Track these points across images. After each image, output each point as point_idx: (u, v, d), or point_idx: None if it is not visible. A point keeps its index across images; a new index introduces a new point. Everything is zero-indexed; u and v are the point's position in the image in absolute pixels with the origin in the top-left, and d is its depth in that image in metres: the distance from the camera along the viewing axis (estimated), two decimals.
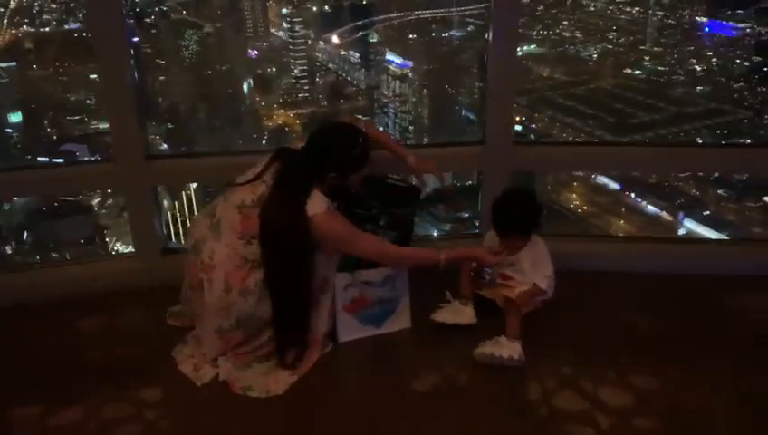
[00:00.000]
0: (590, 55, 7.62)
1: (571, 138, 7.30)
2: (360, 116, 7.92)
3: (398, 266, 2.50)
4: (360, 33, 8.09)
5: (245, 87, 7.57)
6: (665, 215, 7.13)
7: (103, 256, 5.96)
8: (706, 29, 7.21)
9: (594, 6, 7.53)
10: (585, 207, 7.37)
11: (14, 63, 6.90)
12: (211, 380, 2.38)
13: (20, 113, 6.83)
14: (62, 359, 2.58)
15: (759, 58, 6.89)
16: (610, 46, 7.52)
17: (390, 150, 2.71)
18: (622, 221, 7.26)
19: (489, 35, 2.81)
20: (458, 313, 2.60)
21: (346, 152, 2.36)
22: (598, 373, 2.44)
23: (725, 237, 6.29)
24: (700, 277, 2.94)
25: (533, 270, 2.58)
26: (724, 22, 7.03)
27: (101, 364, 2.55)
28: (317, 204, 2.26)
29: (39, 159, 7.21)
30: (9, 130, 6.95)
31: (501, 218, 2.59)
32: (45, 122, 7.13)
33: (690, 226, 6.91)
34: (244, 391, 2.29)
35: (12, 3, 6.97)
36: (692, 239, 5.33)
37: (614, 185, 7.30)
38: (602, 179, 7.25)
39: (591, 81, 7.64)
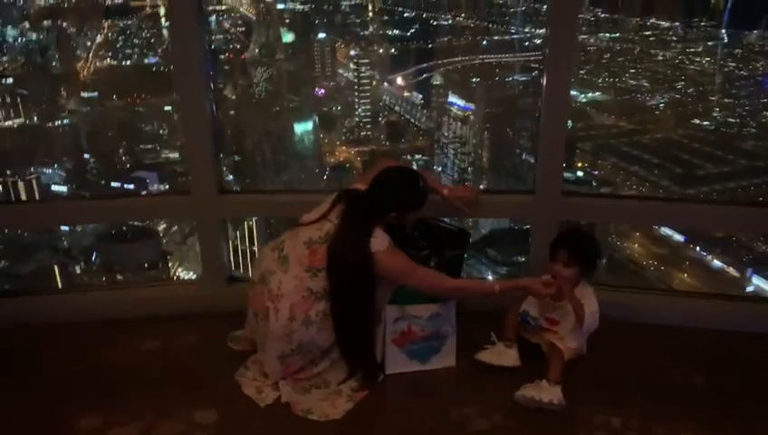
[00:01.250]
0: (657, 104, 7.52)
1: (635, 187, 7.17)
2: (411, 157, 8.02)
3: (455, 297, 2.57)
4: (424, 76, 8.23)
5: (311, 124, 7.79)
6: (731, 270, 6.87)
7: (168, 280, 6.12)
8: None
9: (663, 56, 7.45)
10: (647, 259, 7.18)
11: (96, 94, 7.33)
12: (273, 401, 2.46)
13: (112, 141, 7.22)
14: (125, 376, 2.67)
15: None
16: (678, 96, 7.41)
17: (428, 188, 2.77)
18: (686, 275, 7.03)
19: (543, 83, 2.81)
20: (503, 355, 2.59)
21: (406, 193, 2.50)
22: (646, 427, 2.36)
23: None
24: (761, 336, 2.83)
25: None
26: None
27: (162, 383, 2.62)
28: (380, 241, 2.41)
29: (112, 184, 7.58)
30: (86, 156, 7.35)
31: (558, 238, 2.58)
32: (120, 150, 7.51)
33: (758, 283, 6.63)
34: (305, 414, 2.39)
35: (99, 37, 7.43)
36: (753, 297, 5.11)
37: (678, 237, 7.10)
38: (666, 231, 7.06)
39: (658, 130, 7.52)
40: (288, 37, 7.87)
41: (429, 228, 2.77)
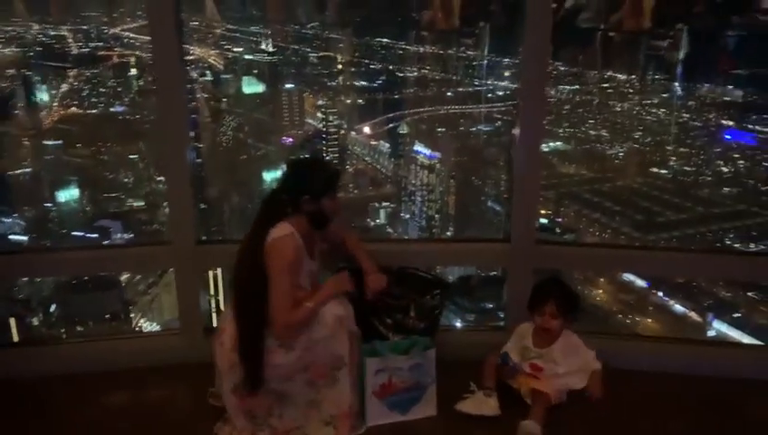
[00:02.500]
0: (617, 153, 7.77)
1: (597, 233, 7.32)
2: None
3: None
4: (391, 125, 8.37)
5: (279, 172, 7.80)
6: (693, 315, 7.01)
7: (138, 332, 5.96)
8: (728, 137, 7.34)
9: (621, 107, 7.73)
10: (612, 305, 7.28)
11: (60, 142, 7.24)
12: None
13: (76, 190, 7.09)
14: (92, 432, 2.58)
15: None
16: (637, 145, 7.67)
17: (362, 265, 2.77)
18: (650, 320, 7.15)
19: (515, 133, 2.89)
20: (482, 404, 2.58)
21: (314, 173, 2.40)
22: None
23: (756, 342, 6.14)
24: (725, 380, 2.88)
25: (565, 359, 2.56)
26: (744, 132, 7.15)
27: None
28: (279, 230, 2.33)
29: (73, 233, 7.41)
30: (49, 205, 7.20)
31: (542, 289, 2.58)
32: (83, 199, 7.38)
33: (719, 327, 6.76)
34: None
35: (63, 86, 7.39)
36: (716, 342, 5.22)
37: (641, 283, 7.24)
38: (629, 277, 7.20)
39: (618, 178, 7.75)
40: (256, 87, 7.95)
41: (407, 276, 2.75)
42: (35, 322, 6.84)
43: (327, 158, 7.97)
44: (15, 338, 6.95)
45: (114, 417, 2.70)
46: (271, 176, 7.52)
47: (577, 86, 7.72)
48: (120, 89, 7.32)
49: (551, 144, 7.80)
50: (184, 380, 2.73)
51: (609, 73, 7.65)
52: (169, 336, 3.12)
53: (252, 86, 7.86)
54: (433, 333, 2.71)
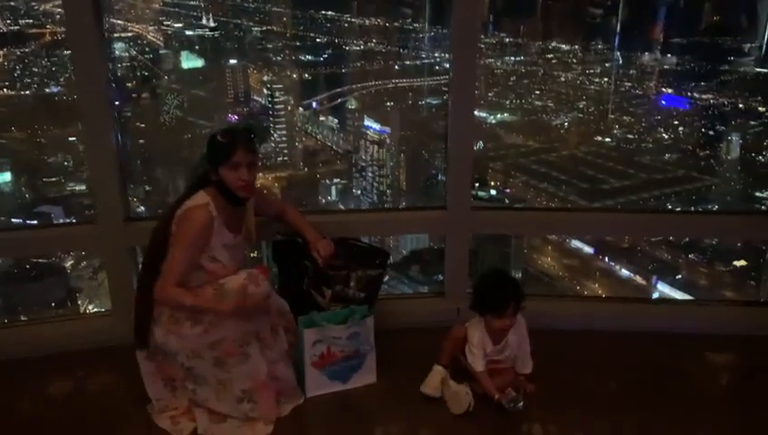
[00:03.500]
0: (562, 123, 7.89)
1: (545, 202, 7.45)
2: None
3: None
4: (339, 100, 8.30)
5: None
6: (638, 279, 7.24)
7: (69, 315, 5.80)
8: (663, 102, 7.54)
9: (565, 77, 7.83)
10: (559, 272, 7.46)
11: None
12: (190, 433, 2.39)
13: (8, 174, 6.81)
14: (30, 419, 2.53)
15: (723, 127, 7.19)
16: (581, 115, 7.80)
17: (304, 235, 2.69)
18: (596, 285, 7.35)
19: (449, 105, 2.93)
20: (458, 398, 2.51)
21: (212, 143, 2.35)
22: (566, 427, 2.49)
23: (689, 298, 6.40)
24: (661, 335, 3.01)
25: (520, 349, 2.60)
26: (680, 96, 7.35)
27: (71, 424, 2.48)
28: (195, 200, 2.31)
29: (13, 220, 7.15)
30: None
31: (500, 292, 2.48)
32: (20, 185, 7.11)
33: (663, 289, 7.01)
34: None
35: None
36: (660, 300, 5.44)
37: (588, 249, 7.43)
38: (576, 244, 7.37)
39: (563, 148, 7.88)
40: (196, 63, 7.75)
41: (348, 248, 2.76)
42: None
43: (274, 135, 7.89)
44: None
45: (44, 402, 2.67)
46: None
47: (522, 57, 7.78)
48: (54, 68, 7.02)
49: (498, 116, 7.87)
50: (116, 362, 2.69)
51: (552, 44, 7.73)
52: (101, 318, 3.12)
53: (192, 61, 7.65)
54: (372, 302, 2.74)
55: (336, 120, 8.38)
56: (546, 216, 3.56)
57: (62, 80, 7.19)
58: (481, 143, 7.74)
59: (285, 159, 8.11)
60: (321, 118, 8.35)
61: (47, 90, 7.30)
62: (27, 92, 7.08)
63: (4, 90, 6.95)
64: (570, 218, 3.50)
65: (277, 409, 2.45)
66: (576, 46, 7.69)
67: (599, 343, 3.00)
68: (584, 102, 7.75)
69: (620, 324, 3.09)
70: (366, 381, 2.69)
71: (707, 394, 2.70)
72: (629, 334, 3.03)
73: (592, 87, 7.80)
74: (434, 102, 7.92)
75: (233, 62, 7.97)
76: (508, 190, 7.71)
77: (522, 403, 2.48)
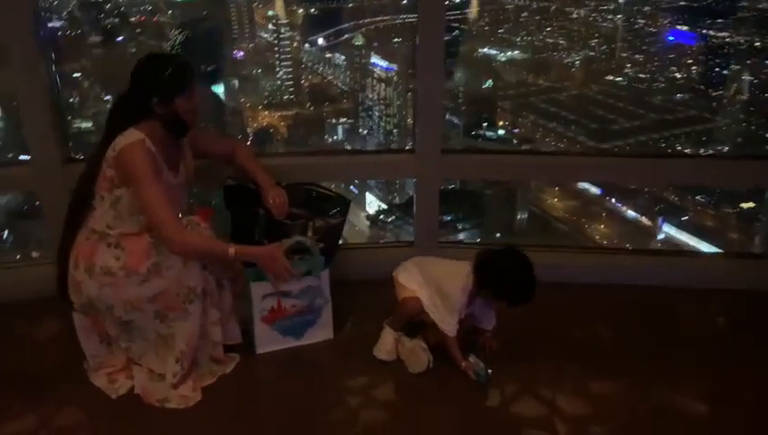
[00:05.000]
0: (573, 62, 7.72)
1: (554, 143, 7.39)
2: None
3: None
4: (346, 36, 8.13)
5: (227, 88, 7.55)
6: (644, 220, 7.25)
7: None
8: (672, 38, 7.34)
9: (577, 14, 7.63)
10: (566, 213, 7.45)
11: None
12: (127, 392, 2.27)
13: None
14: None
15: (737, 67, 7.03)
16: (592, 53, 7.63)
17: (256, 180, 2.48)
18: (602, 226, 7.37)
19: (417, 39, 2.80)
20: (415, 355, 2.40)
21: (161, 70, 2.12)
22: (556, 381, 2.42)
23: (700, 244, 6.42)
24: (664, 289, 2.98)
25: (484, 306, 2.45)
26: (694, 32, 7.15)
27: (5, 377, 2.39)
28: (127, 138, 2.10)
29: (20, 157, 7.12)
30: None
31: (528, 291, 2.22)
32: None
33: (668, 230, 7.02)
34: (162, 404, 2.19)
35: None
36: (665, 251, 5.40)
37: (595, 190, 7.40)
38: (584, 185, 7.35)
39: (573, 87, 7.75)
40: None
41: (306, 194, 2.57)
42: None
43: (280, 72, 7.77)
44: None
45: None
46: (219, 90, 7.28)
47: None
48: (55, 2, 6.88)
49: (507, 53, 7.71)
50: (60, 312, 2.48)
51: None
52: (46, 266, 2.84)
53: None
54: (332, 254, 2.54)
55: (343, 58, 8.24)
56: (517, 160, 3.29)
57: (64, 14, 7.05)
58: (490, 81, 7.63)
59: (291, 97, 8.01)
60: (328, 55, 8.20)
61: (49, 24, 7.16)
62: None
63: None
64: (546, 163, 3.26)
65: (196, 392, 2.26)
66: None
67: (601, 295, 2.96)
68: (596, 40, 7.56)
69: (624, 276, 3.05)
70: (322, 337, 2.54)
71: (702, 345, 2.67)
72: (633, 287, 2.99)
73: (605, 24, 7.60)
74: (443, 39, 7.74)
75: None
76: (517, 130, 7.62)
77: (490, 371, 2.31)
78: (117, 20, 7.08)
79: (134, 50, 6.75)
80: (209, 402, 2.23)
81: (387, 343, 2.44)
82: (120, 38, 7.02)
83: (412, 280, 2.41)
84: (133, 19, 6.96)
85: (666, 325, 2.81)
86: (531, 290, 2.22)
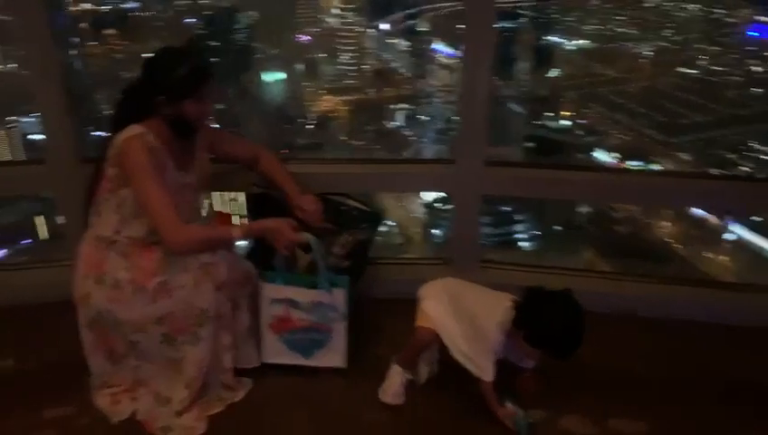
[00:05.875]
0: (644, 52, 7.48)
1: (620, 135, 7.20)
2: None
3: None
4: (410, 22, 8.09)
5: (283, 74, 7.59)
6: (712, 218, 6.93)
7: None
8: (754, 34, 6.99)
9: (651, 2, 7.37)
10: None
11: (77, 39, 7.10)
12: (130, 416, 2.10)
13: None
14: None
15: None
16: (665, 44, 7.37)
17: (284, 188, 2.34)
18: (669, 223, 7.09)
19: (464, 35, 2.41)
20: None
21: (173, 68, 2.00)
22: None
23: None
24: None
25: None
26: None
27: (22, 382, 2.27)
28: (127, 132, 1.99)
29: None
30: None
31: (572, 348, 1.92)
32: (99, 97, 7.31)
33: (738, 231, 6.70)
34: (164, 433, 2.05)
35: None
36: None
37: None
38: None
39: (643, 78, 7.51)
40: None
41: (333, 206, 2.39)
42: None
43: (343, 57, 7.80)
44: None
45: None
46: (273, 77, 7.30)
47: None
48: None
49: (575, 42, 7.53)
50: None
51: None
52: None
53: None
54: (358, 272, 2.39)
55: (406, 43, 8.20)
56: (567, 176, 2.80)
57: None
58: (557, 70, 7.47)
59: (353, 82, 8.04)
60: (391, 40, 8.18)
61: (123, 5, 7.38)
62: (106, 8, 7.19)
63: (87, 4, 7.06)
64: (604, 181, 2.79)
65: (200, 422, 2.09)
66: None
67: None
68: (670, 30, 7.30)
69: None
70: (332, 363, 2.28)
71: None
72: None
73: (681, 14, 7.32)
74: (508, 26, 7.63)
75: None
76: (583, 121, 7.45)
77: (531, 420, 2.02)
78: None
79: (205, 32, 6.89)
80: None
81: (394, 384, 2.16)
82: (189, 20, 7.18)
83: (440, 310, 2.11)
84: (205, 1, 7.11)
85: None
86: (571, 346, 1.91)
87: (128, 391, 2.15)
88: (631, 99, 7.28)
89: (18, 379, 2.32)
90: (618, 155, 7.02)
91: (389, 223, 7.44)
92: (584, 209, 6.93)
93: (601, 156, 7.15)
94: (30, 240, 6.45)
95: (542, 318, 1.91)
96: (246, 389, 2.22)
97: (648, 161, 6.81)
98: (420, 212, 7.61)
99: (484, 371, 2.01)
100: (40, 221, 6.57)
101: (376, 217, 2.44)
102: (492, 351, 2.00)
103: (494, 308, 2.00)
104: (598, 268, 5.74)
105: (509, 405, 2.04)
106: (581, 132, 7.30)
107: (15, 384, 2.29)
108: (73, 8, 6.94)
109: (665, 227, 6.88)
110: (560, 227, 7.08)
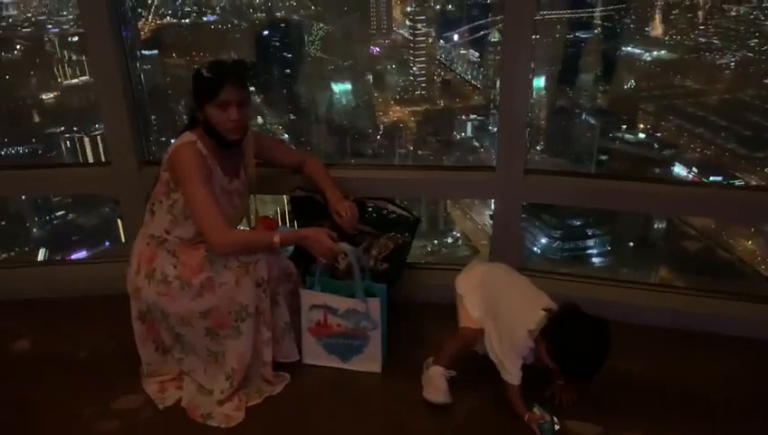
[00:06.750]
0: (728, 63, 7.12)
1: (699, 149, 6.88)
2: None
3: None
4: (482, 33, 8.03)
5: (349, 86, 7.67)
6: None
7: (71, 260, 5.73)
8: None
9: (735, 11, 7.02)
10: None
11: (156, 52, 7.43)
12: (174, 403, 2.28)
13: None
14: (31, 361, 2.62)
15: None
16: (751, 54, 6.99)
17: (325, 193, 2.42)
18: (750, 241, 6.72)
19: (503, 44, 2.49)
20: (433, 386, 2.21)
21: (196, 78, 2.13)
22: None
23: None
24: None
25: None
26: None
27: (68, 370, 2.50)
28: (180, 139, 2.16)
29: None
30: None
31: (592, 371, 1.94)
32: (180, 108, 7.64)
33: None
34: (204, 420, 2.17)
35: None
36: None
37: None
38: None
39: (726, 90, 7.14)
40: None
41: (374, 211, 2.50)
42: None
43: (413, 68, 7.82)
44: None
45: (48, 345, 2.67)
46: (340, 88, 7.39)
47: None
48: None
49: (654, 53, 7.27)
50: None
51: None
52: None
53: None
54: (396, 276, 2.46)
55: (477, 54, 8.15)
56: (611, 186, 2.80)
57: (217, 9, 7.54)
58: (633, 82, 7.22)
59: (423, 93, 8.04)
60: (462, 51, 8.15)
61: (204, 18, 7.68)
62: (187, 21, 7.49)
63: (167, 18, 7.39)
64: (642, 190, 2.75)
65: (239, 412, 2.23)
66: None
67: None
68: (756, 40, 6.92)
69: None
70: (368, 368, 2.39)
71: None
72: None
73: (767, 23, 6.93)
74: (583, 36, 7.46)
75: None
76: (659, 134, 7.16)
77: (558, 427, 2.02)
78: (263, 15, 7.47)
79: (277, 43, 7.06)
80: (249, 425, 2.19)
81: (440, 384, 2.18)
82: (266, 32, 7.38)
83: (475, 305, 2.16)
84: (278, 14, 7.29)
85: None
86: (589, 372, 1.91)
87: (174, 380, 2.30)
88: (712, 111, 6.95)
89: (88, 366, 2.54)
90: (695, 170, 6.73)
91: (455, 234, 7.40)
92: (659, 225, 6.68)
93: (679, 170, 6.87)
94: (107, 243, 6.78)
95: (568, 337, 1.93)
96: (284, 383, 2.33)
97: (729, 177, 6.47)
98: (488, 224, 7.51)
99: (512, 374, 2.04)
100: (119, 225, 6.90)
101: (414, 222, 2.50)
102: (519, 355, 2.03)
103: (527, 313, 2.02)
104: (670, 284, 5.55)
105: (537, 410, 2.07)
106: (658, 145, 7.02)
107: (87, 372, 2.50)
108: (158, 21, 7.30)
109: (743, 245, 6.52)
110: (632, 243, 6.88)
